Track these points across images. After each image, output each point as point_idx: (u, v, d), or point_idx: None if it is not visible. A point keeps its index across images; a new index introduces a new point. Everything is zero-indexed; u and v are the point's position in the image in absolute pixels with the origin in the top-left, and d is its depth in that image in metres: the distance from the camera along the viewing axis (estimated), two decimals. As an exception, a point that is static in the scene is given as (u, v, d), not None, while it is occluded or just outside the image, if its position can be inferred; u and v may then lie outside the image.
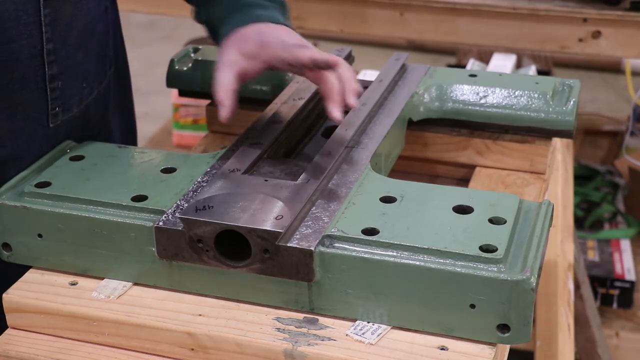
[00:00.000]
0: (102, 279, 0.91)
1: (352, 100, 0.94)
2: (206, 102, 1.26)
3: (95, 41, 1.08)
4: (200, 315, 0.85)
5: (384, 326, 0.83)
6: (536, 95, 1.11)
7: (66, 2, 1.00)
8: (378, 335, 0.82)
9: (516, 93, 1.12)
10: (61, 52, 1.01)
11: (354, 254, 0.81)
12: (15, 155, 0.99)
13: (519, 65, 2.04)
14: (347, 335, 0.82)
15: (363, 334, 0.82)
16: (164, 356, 0.85)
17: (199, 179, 0.93)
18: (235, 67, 0.99)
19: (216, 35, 1.07)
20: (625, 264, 2.16)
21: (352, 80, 0.96)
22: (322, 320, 0.84)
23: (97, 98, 1.10)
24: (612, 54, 1.78)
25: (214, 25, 1.07)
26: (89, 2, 1.05)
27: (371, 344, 0.81)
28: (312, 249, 0.81)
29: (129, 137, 1.22)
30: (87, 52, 1.06)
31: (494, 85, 1.13)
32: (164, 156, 0.99)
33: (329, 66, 0.94)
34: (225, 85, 0.98)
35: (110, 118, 1.15)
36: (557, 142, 1.24)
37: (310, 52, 0.95)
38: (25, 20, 0.95)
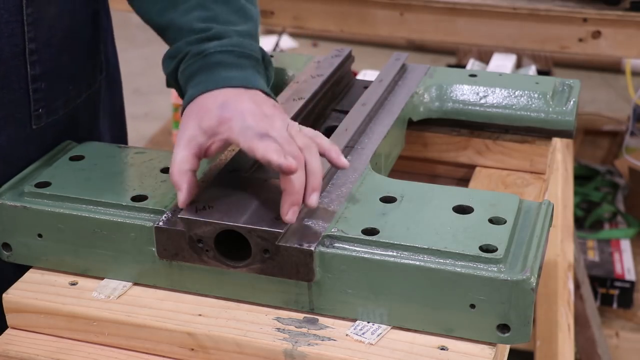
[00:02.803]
0: (102, 279, 0.91)
1: (311, 201, 0.84)
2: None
3: (82, 44, 1.07)
4: (200, 315, 0.85)
5: (384, 326, 0.83)
6: (536, 95, 1.11)
7: (50, 2, 0.99)
8: (378, 335, 0.82)
9: (516, 93, 1.12)
10: (44, 52, 1.00)
11: (354, 254, 0.81)
12: None
13: (519, 65, 2.04)
14: (347, 335, 0.82)
15: (363, 334, 0.82)
16: (164, 356, 0.85)
17: (199, 179, 0.93)
18: (193, 143, 0.87)
19: (183, 96, 0.95)
20: (625, 264, 2.16)
21: (318, 174, 0.85)
22: (322, 320, 0.84)
23: (86, 102, 1.09)
24: (612, 54, 1.78)
25: (181, 84, 0.95)
26: (75, 4, 1.04)
27: (371, 344, 0.81)
28: (312, 249, 0.81)
29: (119, 142, 1.21)
30: (72, 55, 1.05)
31: (494, 85, 1.13)
32: (164, 156, 0.99)
33: (284, 172, 0.82)
34: (180, 165, 0.86)
35: (100, 122, 1.14)
36: (557, 142, 1.24)
37: (266, 149, 0.82)
38: (7, 18, 0.95)
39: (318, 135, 0.90)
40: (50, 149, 1.02)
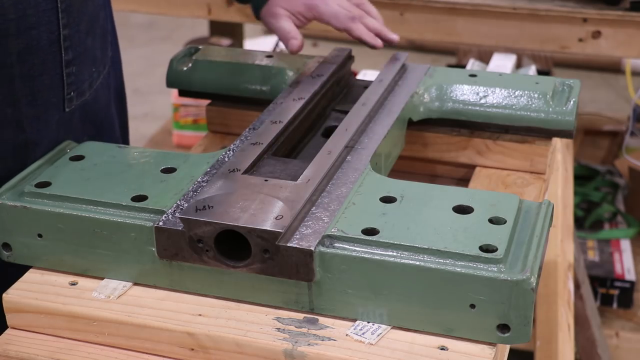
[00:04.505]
0: (102, 279, 0.91)
1: (393, 38, 1.20)
2: (206, 102, 1.26)
3: (99, 26, 1.10)
4: (200, 315, 0.85)
5: (384, 326, 0.83)
6: (536, 95, 1.11)
7: None
8: (378, 335, 0.82)
9: (516, 93, 1.12)
10: (75, 37, 1.03)
11: (354, 254, 0.81)
12: (34, 141, 1.02)
13: (519, 65, 2.04)
14: (347, 335, 0.82)
15: (363, 334, 0.82)
16: (164, 356, 0.85)
17: (199, 179, 0.93)
18: (291, 19, 1.17)
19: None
20: (625, 264, 2.16)
21: (379, 17, 1.21)
22: (322, 320, 0.84)
23: (102, 82, 1.12)
24: (612, 54, 1.78)
25: None
26: None
27: (371, 344, 0.81)
28: (312, 249, 0.81)
29: (123, 120, 1.25)
30: (94, 38, 1.08)
31: (494, 85, 1.13)
32: (164, 156, 0.99)
33: (373, 48, 1.17)
34: (292, 29, 1.17)
35: (111, 102, 1.18)
36: (557, 142, 1.24)
37: (360, 31, 1.15)
38: (44, 7, 0.98)
39: None
40: (76, 130, 1.06)
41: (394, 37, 1.20)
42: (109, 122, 1.15)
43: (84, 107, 1.08)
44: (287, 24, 1.17)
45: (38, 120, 1.02)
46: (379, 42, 1.17)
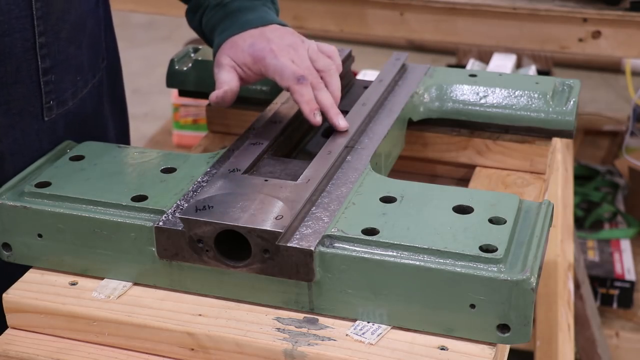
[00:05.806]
0: (102, 279, 0.91)
1: (341, 126, 1.01)
2: (206, 102, 1.26)
3: (86, 35, 1.08)
4: (200, 315, 0.85)
5: (384, 326, 0.83)
6: (536, 95, 1.11)
7: None
8: (378, 335, 0.82)
9: (516, 93, 1.12)
10: (54, 45, 1.01)
11: (354, 254, 0.81)
12: (12, 150, 1.00)
13: (519, 65, 2.04)
14: (347, 335, 0.82)
15: (363, 334, 0.82)
16: (164, 356, 0.85)
17: (199, 179, 0.93)
18: (234, 70, 1.03)
19: (210, 43, 1.11)
20: (625, 264, 2.16)
21: (337, 94, 1.03)
22: (322, 320, 0.84)
23: (91, 91, 1.11)
24: (612, 54, 1.78)
25: (205, 32, 1.11)
26: None
27: (371, 344, 0.81)
28: (312, 249, 0.81)
29: (122, 129, 1.23)
30: (79, 46, 1.07)
31: (494, 85, 1.13)
32: (164, 156, 0.99)
33: (307, 120, 1.01)
34: (226, 80, 1.02)
35: (104, 111, 1.16)
36: (557, 142, 1.24)
37: (301, 97, 0.99)
38: (17, 14, 0.96)
39: (334, 53, 1.06)
40: (61, 140, 1.04)
41: (342, 124, 1.00)
42: (100, 131, 1.13)
43: (68, 117, 1.06)
44: (226, 75, 1.02)
45: (13, 130, 0.99)
46: (315, 120, 1.00)
